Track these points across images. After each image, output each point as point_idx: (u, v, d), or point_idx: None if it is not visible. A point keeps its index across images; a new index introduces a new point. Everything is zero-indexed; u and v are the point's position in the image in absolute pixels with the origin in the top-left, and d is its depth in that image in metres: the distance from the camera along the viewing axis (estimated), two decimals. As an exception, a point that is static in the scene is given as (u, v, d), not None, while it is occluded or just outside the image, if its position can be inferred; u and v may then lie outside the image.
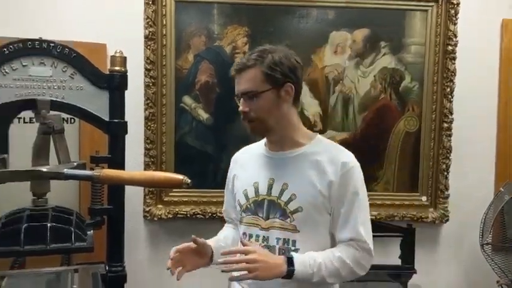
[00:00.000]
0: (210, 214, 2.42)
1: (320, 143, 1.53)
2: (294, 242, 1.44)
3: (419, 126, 2.48)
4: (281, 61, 1.45)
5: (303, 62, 2.40)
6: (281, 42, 2.40)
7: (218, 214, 2.38)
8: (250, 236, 1.50)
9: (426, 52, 2.47)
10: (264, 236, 1.47)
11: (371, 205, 2.44)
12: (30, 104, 1.79)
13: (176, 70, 2.40)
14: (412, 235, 2.33)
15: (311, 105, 2.45)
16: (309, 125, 2.44)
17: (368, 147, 2.48)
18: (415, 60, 2.46)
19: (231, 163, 1.67)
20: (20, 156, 1.82)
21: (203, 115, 2.44)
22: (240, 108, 1.46)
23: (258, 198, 1.50)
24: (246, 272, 1.33)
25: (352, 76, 2.45)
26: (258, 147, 1.61)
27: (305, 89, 2.43)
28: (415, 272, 2.29)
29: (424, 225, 2.50)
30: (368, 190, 2.43)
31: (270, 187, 1.49)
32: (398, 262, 2.33)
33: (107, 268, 1.75)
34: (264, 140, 1.59)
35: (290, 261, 1.36)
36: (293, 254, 1.40)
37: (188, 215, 2.43)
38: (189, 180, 1.38)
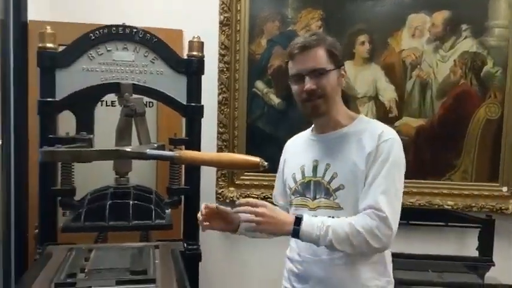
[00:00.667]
0: (280, 198, 2.45)
1: (361, 122, 1.56)
2: None
3: (501, 113, 2.36)
4: (337, 44, 1.53)
5: (379, 46, 2.38)
6: (356, 26, 2.38)
7: (289, 198, 2.41)
8: (301, 215, 1.51)
9: (511, 35, 2.34)
10: (312, 216, 1.48)
11: (448, 194, 2.41)
12: (114, 87, 1.88)
13: (249, 55, 2.43)
14: (491, 226, 2.24)
15: (386, 91, 2.40)
16: (384, 111, 2.40)
17: (445, 134, 2.39)
18: (499, 44, 2.34)
19: (283, 150, 1.74)
20: (102, 138, 1.90)
21: (275, 100, 2.45)
22: (308, 86, 1.46)
23: (305, 180, 1.55)
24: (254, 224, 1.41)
25: (430, 60, 2.37)
26: (306, 133, 1.68)
27: (380, 74, 2.38)
28: (493, 265, 2.22)
29: (503, 217, 2.39)
30: (445, 179, 2.40)
31: (314, 169, 1.54)
32: (476, 254, 2.25)
33: (185, 246, 1.81)
34: (312, 127, 1.65)
35: (298, 222, 1.40)
36: (305, 215, 1.43)
37: (259, 199, 2.46)
38: (266, 163, 1.44)
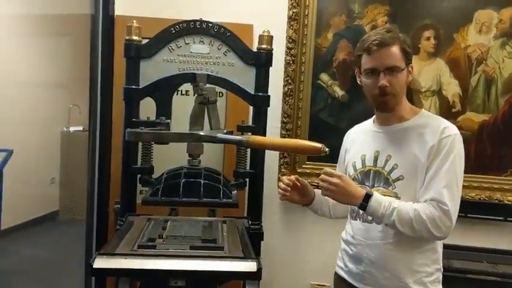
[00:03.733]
0: (340, 187, 2.54)
1: (423, 117, 1.64)
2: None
3: None
4: (409, 41, 1.62)
5: (444, 42, 2.41)
6: (422, 21, 2.42)
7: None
8: None
9: None
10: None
11: (509, 190, 2.40)
12: (190, 77, 2.02)
13: (315, 48, 2.52)
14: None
15: (450, 85, 2.41)
16: (447, 106, 2.42)
17: (509, 130, 2.37)
18: None
19: (344, 140, 1.87)
20: (177, 124, 2.07)
21: (339, 92, 2.54)
22: (382, 82, 1.55)
23: (365, 169, 1.66)
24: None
25: (496, 56, 2.36)
26: (367, 123, 1.78)
27: (445, 69, 2.41)
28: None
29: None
30: (507, 175, 2.39)
31: (375, 159, 1.64)
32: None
33: (250, 222, 1.96)
34: (373, 118, 1.75)
35: (368, 198, 1.50)
36: (375, 192, 1.53)
37: (319, 187, 2.56)
38: (327, 149, 1.56)
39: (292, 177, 1.75)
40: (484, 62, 2.37)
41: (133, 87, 1.99)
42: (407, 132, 1.60)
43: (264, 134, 2.13)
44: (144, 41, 2.03)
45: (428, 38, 2.41)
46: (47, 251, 4.38)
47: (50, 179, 5.46)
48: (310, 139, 2.57)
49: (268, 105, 2.13)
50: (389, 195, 1.57)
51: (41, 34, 5.08)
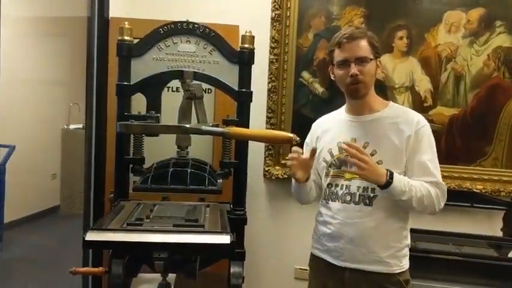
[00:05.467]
0: (320, 177, 2.71)
1: (393, 108, 1.83)
2: (372, 189, 1.75)
3: (532, 105, 2.47)
4: (376, 38, 1.80)
5: (416, 41, 2.57)
6: (395, 22, 2.58)
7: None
8: (336, 185, 1.83)
9: (544, 31, 2.43)
10: (346, 185, 1.80)
11: (477, 179, 2.57)
12: (178, 74, 2.15)
13: (297, 48, 2.69)
14: (516, 208, 2.37)
15: (422, 82, 2.58)
16: (419, 100, 2.59)
17: (478, 123, 2.54)
18: (532, 40, 2.44)
19: (313, 127, 2.02)
20: (168, 118, 2.22)
21: (319, 89, 2.71)
22: (353, 71, 1.73)
23: (342, 155, 1.80)
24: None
25: (465, 54, 2.53)
26: (337, 114, 1.95)
27: (417, 66, 2.57)
28: (516, 244, 2.34)
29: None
30: (475, 165, 2.55)
31: None
32: (501, 234, 2.40)
33: (231, 206, 2.13)
34: (342, 109, 1.93)
35: (391, 176, 1.65)
36: (395, 173, 1.67)
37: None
38: (298, 138, 1.69)
39: (300, 150, 1.82)
40: (453, 59, 2.54)
41: (125, 83, 2.13)
42: (382, 122, 1.78)
43: (247, 127, 2.27)
44: (136, 41, 2.19)
45: (401, 38, 2.58)
46: (51, 241, 4.59)
47: (51, 174, 5.64)
48: (293, 133, 2.75)
49: (251, 101, 2.26)
50: None
51: (41, 35, 5.25)
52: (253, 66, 2.23)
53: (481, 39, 2.50)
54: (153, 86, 2.19)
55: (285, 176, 2.76)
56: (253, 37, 2.23)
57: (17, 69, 4.91)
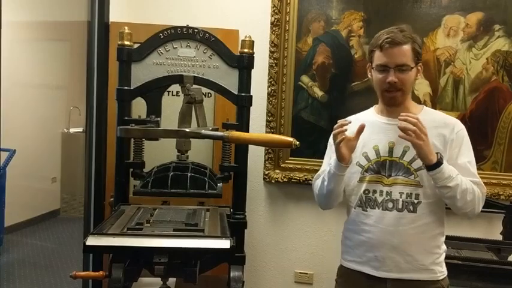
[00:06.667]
0: (320, 181, 2.72)
1: (429, 112, 1.81)
2: (417, 195, 1.70)
3: (532, 108, 2.48)
4: (420, 43, 1.74)
5: None
6: (395, 26, 2.58)
7: (328, 181, 2.68)
8: (374, 191, 1.74)
9: (543, 35, 2.44)
10: (387, 191, 1.73)
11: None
12: (178, 78, 2.16)
13: (296, 52, 2.69)
14: (515, 212, 2.37)
15: (422, 85, 2.58)
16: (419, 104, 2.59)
17: (477, 127, 2.54)
18: (531, 43, 2.45)
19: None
20: (168, 122, 2.24)
21: (318, 93, 2.72)
22: (391, 78, 1.66)
23: (380, 159, 1.74)
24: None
25: (463, 58, 2.53)
26: (367, 115, 1.85)
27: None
28: (515, 248, 2.35)
29: (532, 207, 2.51)
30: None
31: (390, 150, 1.74)
32: (500, 238, 2.41)
33: (231, 210, 2.13)
34: (371, 111, 1.86)
35: (441, 157, 1.61)
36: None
37: (301, 181, 2.75)
38: (298, 143, 1.66)
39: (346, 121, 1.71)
40: (452, 63, 2.55)
41: (125, 88, 2.15)
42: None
43: (247, 131, 2.28)
44: (136, 46, 2.21)
45: (400, 42, 2.58)
46: (51, 245, 4.61)
47: (51, 178, 5.65)
48: (292, 136, 2.77)
49: (251, 105, 2.27)
50: (410, 184, 1.70)
51: (42, 39, 5.28)
52: (252, 70, 2.24)
53: (480, 43, 2.51)
54: (153, 91, 2.21)
55: (285, 179, 2.77)
56: (253, 42, 2.25)
57: (18, 73, 4.93)
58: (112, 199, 2.41)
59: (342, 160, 1.69)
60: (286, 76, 2.72)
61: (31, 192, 5.14)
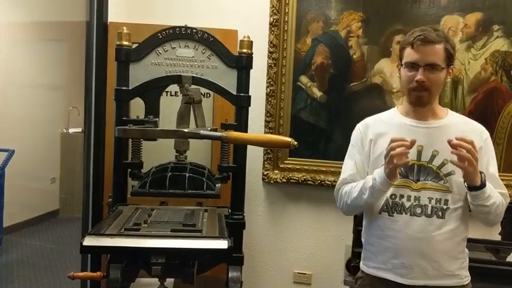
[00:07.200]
0: (318, 181, 2.71)
1: (455, 115, 1.76)
2: (446, 201, 1.65)
3: (531, 109, 2.48)
4: (454, 44, 1.69)
5: None
6: (393, 27, 2.58)
7: (326, 182, 2.68)
8: (401, 196, 1.67)
9: (542, 35, 2.44)
10: (415, 196, 1.66)
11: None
12: (176, 79, 2.17)
13: (295, 52, 2.69)
14: (514, 213, 2.37)
15: (420, 86, 2.59)
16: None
17: (475, 127, 2.54)
18: (530, 44, 2.45)
19: (359, 129, 1.80)
20: (167, 122, 2.22)
21: (317, 93, 2.71)
22: (420, 77, 1.59)
23: (408, 163, 1.64)
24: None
25: (462, 59, 2.52)
26: (391, 116, 1.77)
27: (414, 71, 2.58)
28: (514, 249, 2.34)
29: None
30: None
31: (419, 153, 1.66)
32: (499, 238, 2.40)
33: (229, 211, 2.13)
34: (394, 111, 1.78)
35: (484, 178, 1.58)
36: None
37: (300, 181, 2.75)
38: (296, 143, 1.66)
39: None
40: (451, 63, 2.54)
41: (124, 88, 2.15)
42: (449, 130, 1.65)
43: (246, 131, 2.28)
44: (134, 46, 2.20)
45: (399, 42, 2.55)
46: (50, 245, 4.62)
47: (50, 178, 5.64)
48: (291, 137, 2.75)
49: (249, 105, 2.27)
50: (439, 189, 1.66)
51: (40, 40, 5.27)
52: (251, 70, 2.24)
53: (479, 44, 2.50)
54: (152, 91, 2.21)
55: (284, 179, 2.77)
56: (252, 42, 2.25)
57: (16, 73, 4.93)
58: (110, 199, 2.41)
59: (393, 178, 1.61)
60: (285, 76, 2.71)
61: (30, 193, 5.13)
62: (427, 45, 1.59)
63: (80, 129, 5.56)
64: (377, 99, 2.64)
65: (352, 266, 2.28)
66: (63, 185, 5.69)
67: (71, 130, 5.74)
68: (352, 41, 2.64)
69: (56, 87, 5.57)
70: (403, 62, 1.66)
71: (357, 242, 2.27)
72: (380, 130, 1.72)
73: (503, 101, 2.51)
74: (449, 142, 1.52)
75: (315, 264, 2.84)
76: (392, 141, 1.56)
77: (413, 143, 1.56)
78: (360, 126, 1.82)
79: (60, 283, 3.78)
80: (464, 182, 1.60)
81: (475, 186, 1.56)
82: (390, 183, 1.61)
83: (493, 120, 2.52)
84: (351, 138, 1.82)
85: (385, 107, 2.58)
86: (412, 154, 1.64)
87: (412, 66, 1.62)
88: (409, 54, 1.63)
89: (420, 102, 1.66)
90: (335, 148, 2.68)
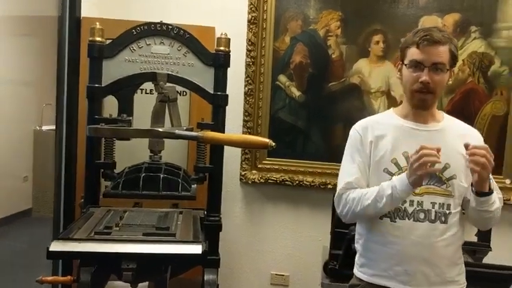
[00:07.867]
0: (297, 182, 2.68)
1: (451, 119, 1.72)
2: (448, 205, 1.60)
3: (507, 110, 2.49)
4: (457, 46, 1.65)
5: (393, 45, 2.48)
6: (372, 27, 2.57)
7: (304, 182, 2.65)
8: (404, 201, 1.59)
9: (518, 37, 2.45)
10: (418, 201, 1.60)
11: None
12: (151, 76, 2.11)
13: (274, 51, 2.65)
14: (491, 214, 2.38)
15: (398, 86, 2.56)
16: (395, 105, 2.55)
17: (453, 128, 2.54)
18: (507, 45, 2.47)
19: (358, 131, 1.71)
20: (142, 121, 2.15)
21: (296, 92, 2.68)
22: (424, 78, 1.54)
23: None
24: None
25: (440, 59, 2.53)
26: (389, 118, 1.71)
27: (393, 71, 2.56)
28: (490, 250, 2.33)
29: (505, 207, 2.49)
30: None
31: None
32: (476, 239, 2.40)
33: (205, 213, 2.08)
34: (391, 113, 1.73)
35: (492, 184, 1.56)
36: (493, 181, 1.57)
37: (278, 181, 2.71)
38: (274, 144, 1.64)
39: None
40: (429, 64, 2.54)
41: (96, 85, 2.09)
42: (448, 133, 1.63)
43: (223, 131, 2.23)
44: (109, 42, 2.14)
45: (377, 42, 2.57)
46: (22, 245, 4.49)
47: (22, 177, 5.50)
48: (270, 136, 2.72)
49: (227, 104, 2.23)
50: (442, 194, 1.61)
51: (11, 34, 5.11)
52: (229, 69, 2.20)
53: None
54: (125, 88, 2.15)
55: (262, 180, 2.73)
56: (229, 39, 2.21)
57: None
58: (82, 200, 2.35)
59: (417, 186, 1.54)
60: (264, 75, 2.68)
61: (2, 191, 4.98)
62: (433, 45, 1.54)
63: (54, 127, 5.43)
64: (355, 100, 2.62)
65: (329, 268, 2.25)
66: (36, 184, 5.54)
67: (44, 127, 5.59)
68: (331, 41, 2.61)
69: (29, 83, 5.41)
70: (406, 62, 1.60)
71: (335, 244, 2.26)
72: (379, 132, 1.67)
73: (480, 102, 2.52)
74: (466, 146, 1.49)
75: (293, 265, 2.81)
76: (422, 148, 1.48)
77: (439, 151, 1.49)
78: (358, 129, 1.73)
79: (32, 286, 3.67)
80: (472, 187, 1.57)
81: (483, 192, 1.53)
82: (412, 191, 1.55)
83: (470, 122, 2.47)
84: (349, 141, 1.74)
85: (363, 107, 2.60)
86: None
87: (417, 65, 1.56)
88: (414, 53, 1.57)
89: (424, 105, 1.61)
90: (314, 148, 2.66)
